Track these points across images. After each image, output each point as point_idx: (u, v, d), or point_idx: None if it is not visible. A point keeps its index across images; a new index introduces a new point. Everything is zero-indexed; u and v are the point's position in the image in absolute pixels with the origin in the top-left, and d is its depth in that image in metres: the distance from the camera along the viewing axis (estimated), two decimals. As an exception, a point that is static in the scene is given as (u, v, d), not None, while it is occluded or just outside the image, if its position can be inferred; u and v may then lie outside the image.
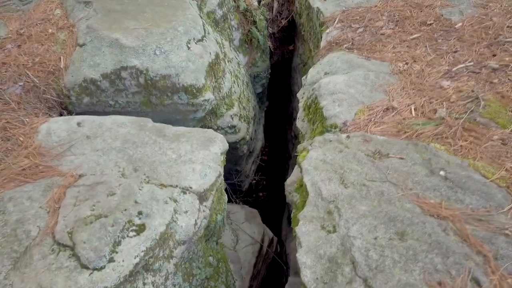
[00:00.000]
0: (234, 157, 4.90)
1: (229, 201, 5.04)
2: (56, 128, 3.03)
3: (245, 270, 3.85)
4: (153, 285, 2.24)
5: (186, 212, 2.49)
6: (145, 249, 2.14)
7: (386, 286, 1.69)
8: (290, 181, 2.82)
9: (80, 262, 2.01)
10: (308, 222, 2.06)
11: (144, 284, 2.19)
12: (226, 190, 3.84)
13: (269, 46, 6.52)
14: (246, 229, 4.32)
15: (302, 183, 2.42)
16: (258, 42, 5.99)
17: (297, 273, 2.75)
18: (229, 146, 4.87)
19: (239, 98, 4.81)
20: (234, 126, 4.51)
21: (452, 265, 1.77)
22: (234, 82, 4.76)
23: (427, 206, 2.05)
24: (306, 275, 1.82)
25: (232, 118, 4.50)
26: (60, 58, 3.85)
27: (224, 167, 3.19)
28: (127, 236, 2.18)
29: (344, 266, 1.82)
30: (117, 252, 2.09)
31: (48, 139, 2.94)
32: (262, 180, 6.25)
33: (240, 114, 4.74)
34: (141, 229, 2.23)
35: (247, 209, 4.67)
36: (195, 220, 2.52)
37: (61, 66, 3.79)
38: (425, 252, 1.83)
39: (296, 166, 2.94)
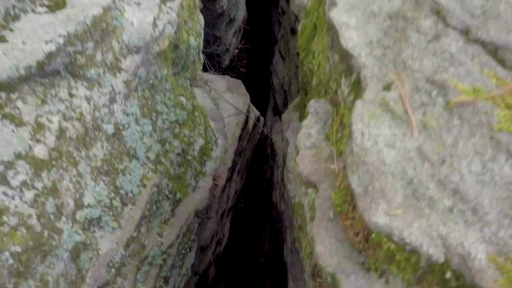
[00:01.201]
0: (211, 16, 3.89)
1: (207, 71, 4.16)
2: None
3: (229, 142, 3.10)
4: (89, 102, 1.41)
5: (138, 4, 1.58)
6: (65, 34, 1.26)
7: (509, 35, 0.90)
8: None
9: None
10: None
11: (71, 95, 1.34)
12: (204, 64, 2.93)
13: None
14: (229, 99, 3.50)
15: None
16: None
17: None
18: (204, -3, 3.84)
19: None
20: (210, -34, 3.43)
21: None
22: None
23: None
24: (351, 38, 1.01)
25: (207, -45, 3.41)
26: None
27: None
28: (33, 11, 1.27)
29: (421, 20, 1.00)
30: (12, 30, 1.20)
31: None
32: (243, 54, 5.32)
33: (217, -45, 3.64)
34: (57, 5, 1.32)
35: (229, 79, 3.81)
36: (154, 20, 1.62)
37: None
38: None
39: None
